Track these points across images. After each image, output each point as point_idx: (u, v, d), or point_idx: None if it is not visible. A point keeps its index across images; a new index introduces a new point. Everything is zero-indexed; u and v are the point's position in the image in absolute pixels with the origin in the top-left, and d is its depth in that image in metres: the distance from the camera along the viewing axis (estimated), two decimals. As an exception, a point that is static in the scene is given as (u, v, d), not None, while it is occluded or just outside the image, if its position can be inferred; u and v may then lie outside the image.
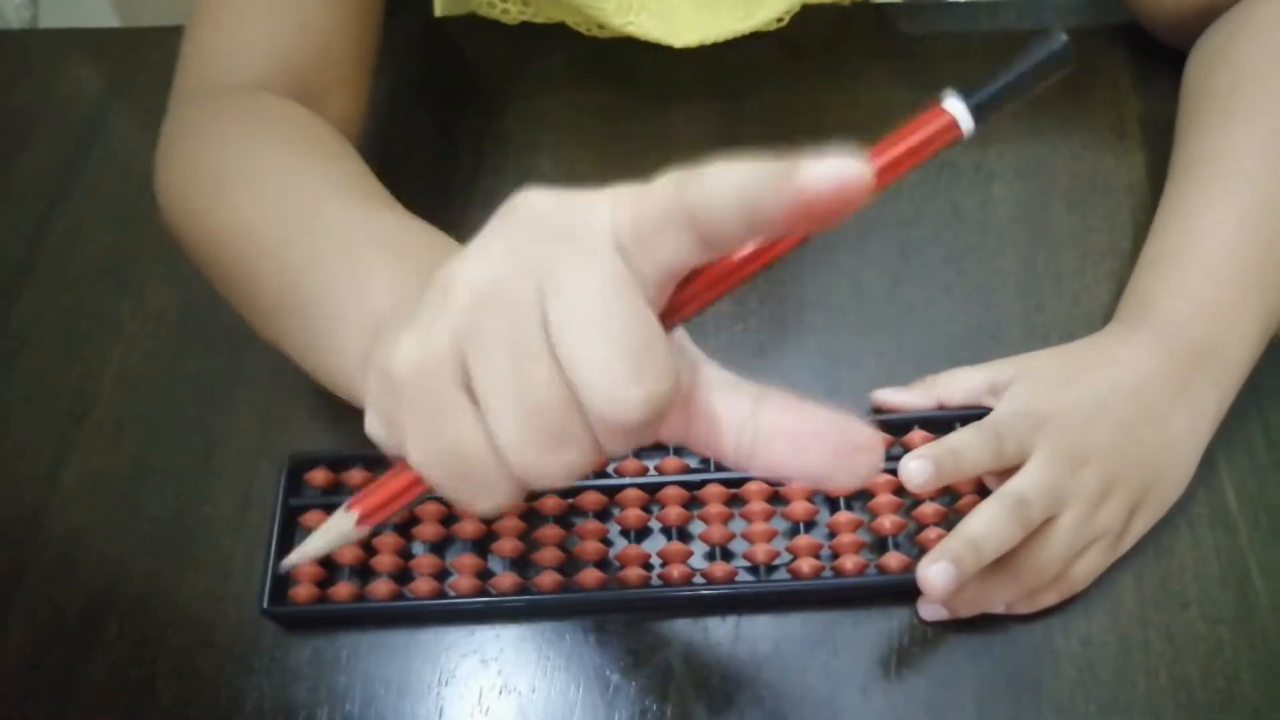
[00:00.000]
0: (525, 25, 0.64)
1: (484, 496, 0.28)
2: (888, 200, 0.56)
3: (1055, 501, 0.42)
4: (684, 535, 0.47)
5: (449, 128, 0.61)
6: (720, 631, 0.45)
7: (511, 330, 0.25)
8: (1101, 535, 0.43)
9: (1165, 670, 0.43)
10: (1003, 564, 0.42)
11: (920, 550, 0.44)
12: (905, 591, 0.44)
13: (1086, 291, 0.52)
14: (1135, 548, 0.45)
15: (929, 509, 0.45)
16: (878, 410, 0.49)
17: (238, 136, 0.46)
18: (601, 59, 0.63)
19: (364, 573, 0.47)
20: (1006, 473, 0.42)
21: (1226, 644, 0.43)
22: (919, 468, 0.41)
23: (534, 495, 0.47)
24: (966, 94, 0.26)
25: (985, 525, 0.40)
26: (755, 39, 0.62)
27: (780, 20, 0.60)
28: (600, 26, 0.61)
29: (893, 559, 0.44)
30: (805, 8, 0.60)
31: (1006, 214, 0.55)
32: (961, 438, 0.42)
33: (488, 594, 0.45)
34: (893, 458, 0.47)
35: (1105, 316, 0.50)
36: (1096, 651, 0.43)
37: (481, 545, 0.47)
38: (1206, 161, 0.49)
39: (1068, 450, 0.42)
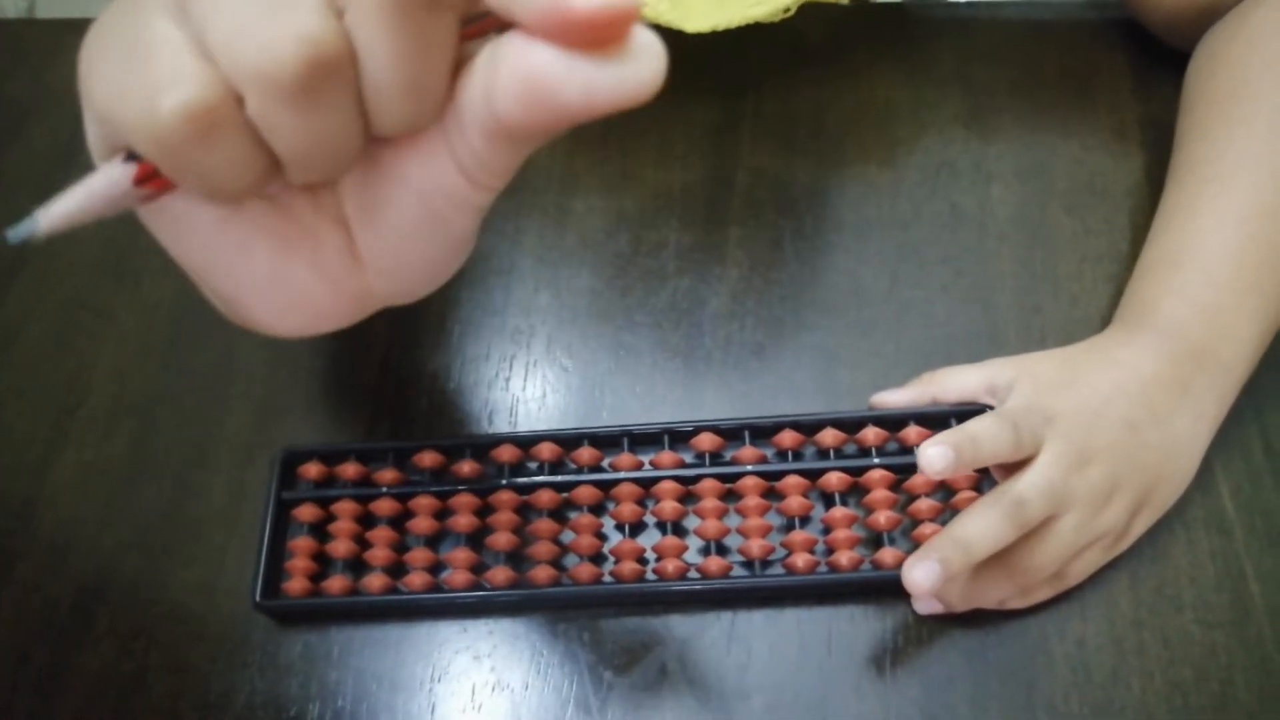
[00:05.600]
0: None
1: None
2: (886, 200, 0.56)
3: (1057, 502, 0.41)
4: (679, 530, 0.47)
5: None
6: (715, 627, 0.45)
7: None
8: (1102, 536, 0.43)
9: (1160, 673, 0.43)
10: (1001, 561, 0.41)
11: (915, 546, 0.44)
12: (901, 588, 0.44)
13: (1085, 294, 0.52)
14: (1131, 550, 0.45)
15: (924, 505, 0.45)
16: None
17: None
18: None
19: (357, 566, 0.47)
20: (1012, 465, 0.42)
21: (1221, 648, 0.43)
22: (940, 453, 0.40)
23: (529, 488, 0.47)
24: None
25: (977, 527, 0.40)
26: (756, 35, 0.62)
27: (787, 10, 0.60)
28: None
29: (888, 555, 0.44)
30: (809, 5, 0.60)
31: (1005, 215, 0.55)
32: (980, 425, 0.41)
33: (481, 588, 0.45)
34: (888, 454, 0.47)
35: (1103, 319, 0.50)
36: (1091, 654, 0.43)
37: (475, 539, 0.47)
38: (1205, 165, 0.49)
39: (1076, 448, 0.42)
